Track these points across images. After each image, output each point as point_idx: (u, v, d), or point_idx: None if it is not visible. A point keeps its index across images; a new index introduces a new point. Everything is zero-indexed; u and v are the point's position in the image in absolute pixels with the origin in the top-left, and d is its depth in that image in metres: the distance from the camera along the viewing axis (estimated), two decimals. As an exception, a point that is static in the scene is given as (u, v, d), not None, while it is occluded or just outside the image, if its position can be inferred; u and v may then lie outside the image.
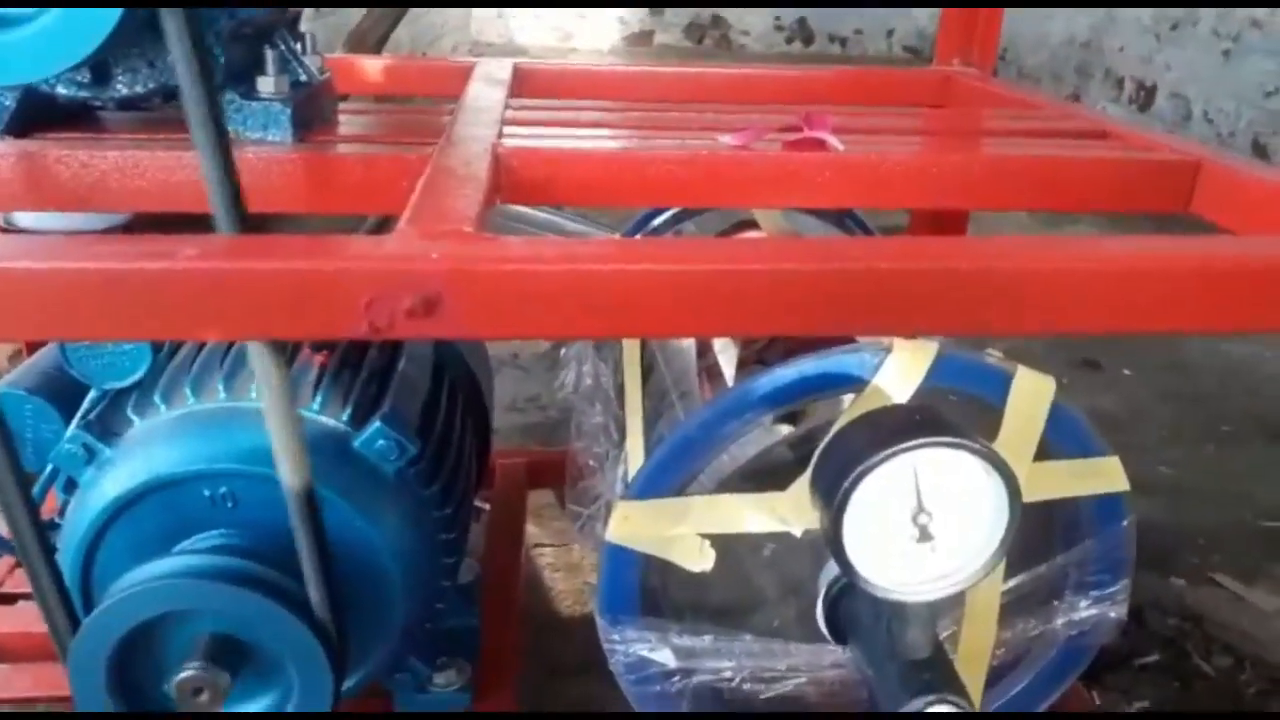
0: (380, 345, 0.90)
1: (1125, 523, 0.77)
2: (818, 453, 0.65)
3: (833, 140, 0.77)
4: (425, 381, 0.93)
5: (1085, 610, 0.79)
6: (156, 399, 0.81)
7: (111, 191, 0.65)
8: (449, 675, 0.92)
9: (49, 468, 0.81)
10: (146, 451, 0.78)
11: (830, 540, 0.62)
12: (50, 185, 0.65)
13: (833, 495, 0.61)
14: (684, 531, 0.73)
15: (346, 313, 0.47)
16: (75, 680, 0.71)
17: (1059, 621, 0.79)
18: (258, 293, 0.47)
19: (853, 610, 0.71)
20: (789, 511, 0.70)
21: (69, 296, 0.47)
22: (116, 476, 0.77)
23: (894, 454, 0.59)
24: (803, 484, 0.68)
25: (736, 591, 0.79)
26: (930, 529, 0.62)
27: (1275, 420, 1.92)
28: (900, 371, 0.68)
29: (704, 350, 0.88)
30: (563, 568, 1.40)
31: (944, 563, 0.62)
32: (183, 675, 0.69)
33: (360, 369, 0.86)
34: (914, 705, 0.64)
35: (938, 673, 0.66)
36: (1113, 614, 0.79)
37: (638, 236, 1.10)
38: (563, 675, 1.18)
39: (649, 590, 0.77)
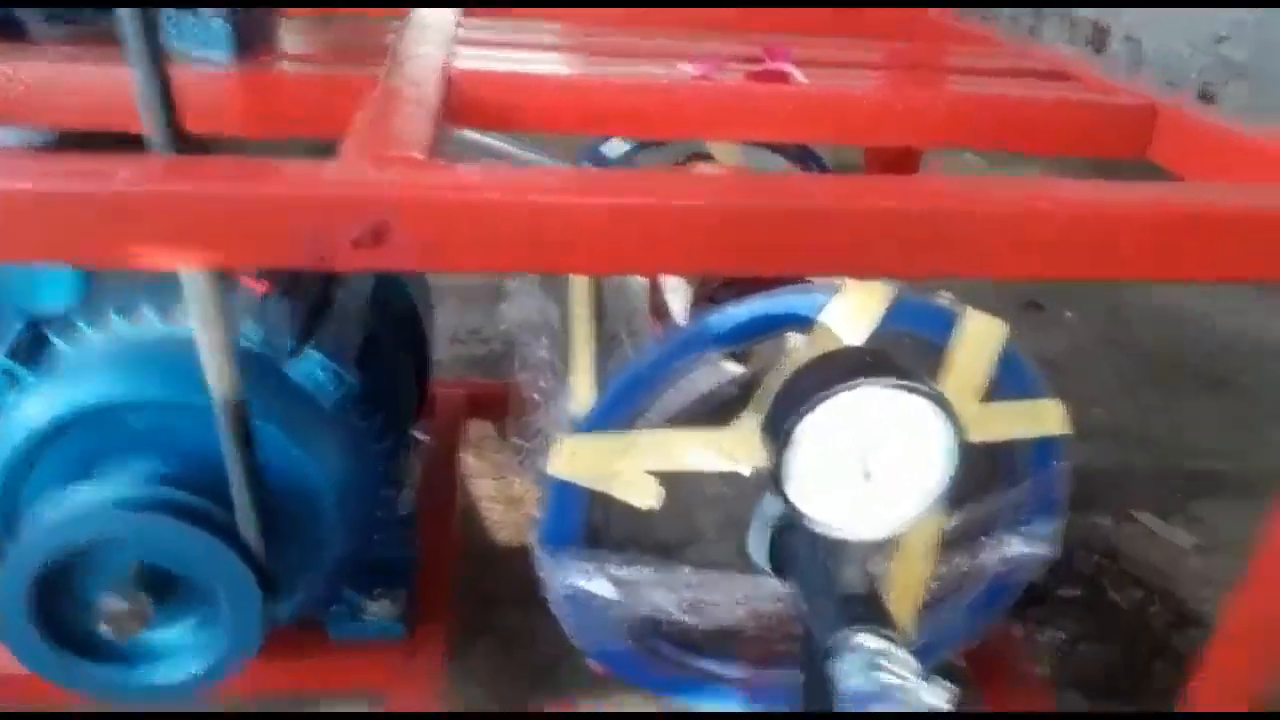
0: (320, 275, 0.87)
1: (1060, 465, 0.79)
2: (769, 390, 0.65)
3: (796, 73, 0.76)
4: (364, 312, 0.91)
5: (1016, 548, 0.81)
6: (82, 325, 0.78)
7: (36, 106, 0.61)
8: (384, 605, 0.92)
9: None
10: (73, 378, 0.75)
11: (774, 477, 0.62)
12: (-32, 96, 0.61)
13: (778, 431, 0.61)
14: (630, 467, 0.73)
15: (289, 241, 0.45)
16: (-1, 613, 0.69)
17: (991, 558, 0.81)
18: (195, 218, 0.44)
19: (791, 545, 0.72)
20: (735, 448, 0.70)
21: (-8, 216, 0.44)
22: (40, 404, 0.74)
23: (839, 391, 0.59)
24: (749, 420, 0.68)
25: (680, 526, 0.79)
26: (874, 468, 0.63)
27: (1209, 367, 1.97)
28: (851, 313, 0.68)
29: (655, 289, 0.87)
30: (501, 500, 1.40)
31: (887, 501, 0.63)
32: (104, 602, 0.67)
33: (299, 299, 0.83)
34: (844, 635, 0.65)
35: (870, 607, 0.67)
36: (1042, 552, 0.81)
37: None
38: (499, 606, 1.18)
39: (593, 525, 0.77)
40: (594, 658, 0.81)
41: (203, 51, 0.65)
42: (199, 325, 0.57)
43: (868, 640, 0.64)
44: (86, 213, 0.43)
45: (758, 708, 0.85)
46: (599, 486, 0.74)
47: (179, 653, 0.75)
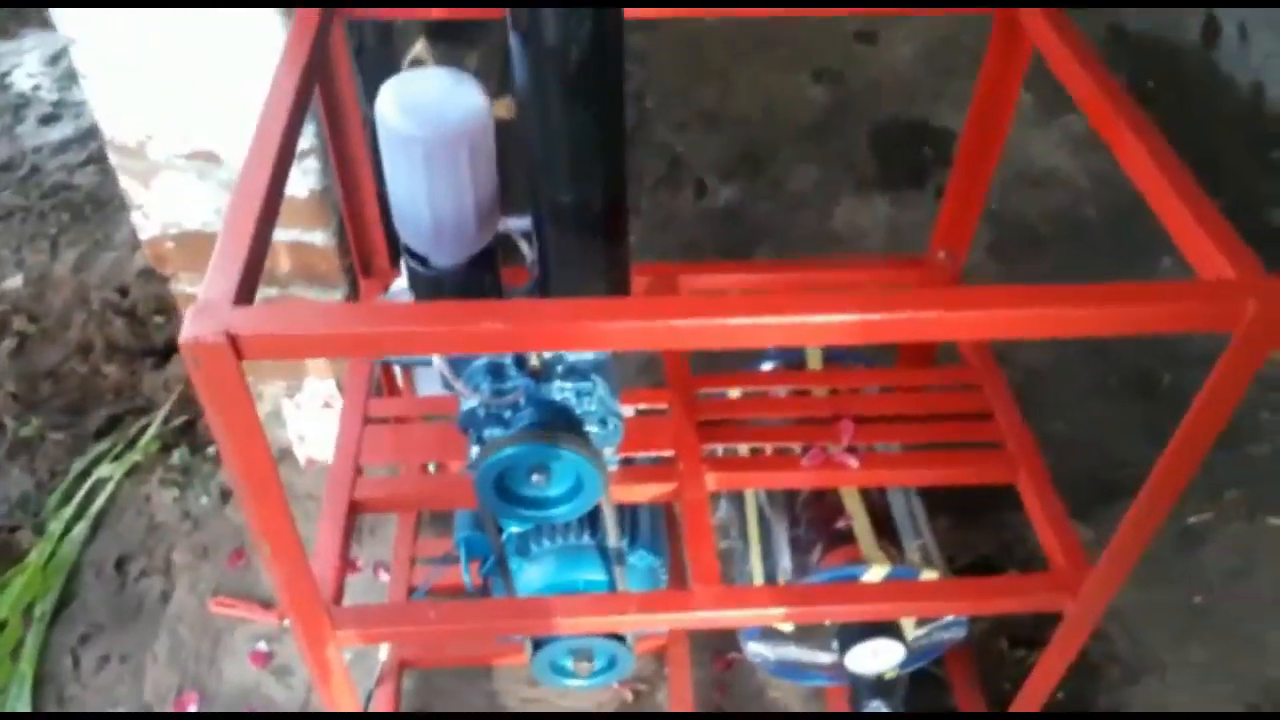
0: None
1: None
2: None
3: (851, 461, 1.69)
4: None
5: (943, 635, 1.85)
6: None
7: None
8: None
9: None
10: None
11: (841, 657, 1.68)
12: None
13: (843, 645, 1.65)
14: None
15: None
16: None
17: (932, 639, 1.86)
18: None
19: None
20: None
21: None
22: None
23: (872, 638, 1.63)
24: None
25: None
26: (878, 654, 1.67)
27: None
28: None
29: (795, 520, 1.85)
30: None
31: (882, 663, 1.68)
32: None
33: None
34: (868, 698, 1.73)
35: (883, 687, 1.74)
36: (958, 636, 1.85)
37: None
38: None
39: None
40: (762, 668, 1.90)
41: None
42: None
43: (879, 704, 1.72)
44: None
45: (834, 683, 1.94)
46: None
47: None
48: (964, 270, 1.94)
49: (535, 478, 1.44)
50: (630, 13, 1.19)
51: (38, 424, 2.83)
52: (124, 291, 3.18)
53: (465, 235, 1.33)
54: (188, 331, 1.01)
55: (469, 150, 1.23)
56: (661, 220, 3.33)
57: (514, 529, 1.72)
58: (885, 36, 4.01)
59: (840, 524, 1.75)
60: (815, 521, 1.79)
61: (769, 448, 1.72)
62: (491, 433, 1.46)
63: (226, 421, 1.09)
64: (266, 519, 1.21)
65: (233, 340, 1.02)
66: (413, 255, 1.37)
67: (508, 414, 1.45)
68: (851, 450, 1.67)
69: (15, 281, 3.25)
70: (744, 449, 1.74)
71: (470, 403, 1.46)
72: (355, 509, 1.59)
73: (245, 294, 1.07)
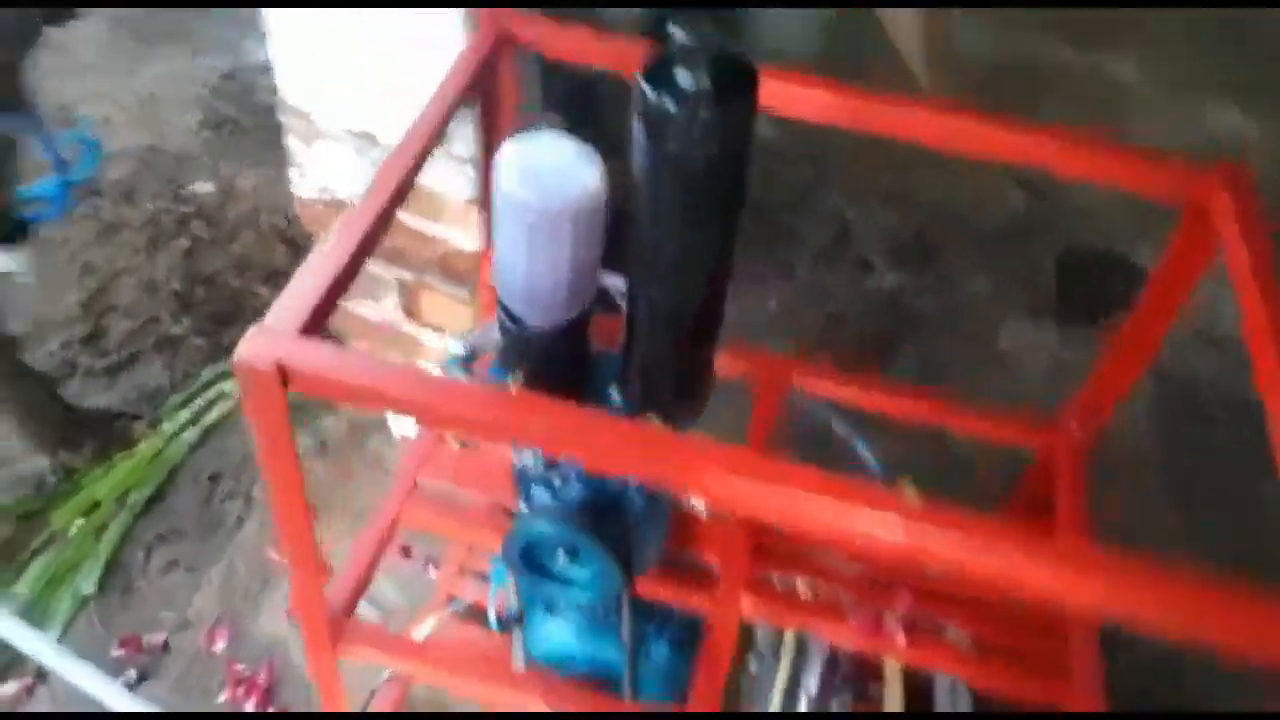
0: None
1: None
2: None
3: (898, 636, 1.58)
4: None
5: None
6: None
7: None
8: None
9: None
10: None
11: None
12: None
13: None
14: None
15: None
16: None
17: None
18: None
19: None
20: None
21: None
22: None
23: None
24: None
25: None
26: None
27: None
28: None
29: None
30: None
31: None
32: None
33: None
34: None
35: None
36: None
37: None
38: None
39: None
40: None
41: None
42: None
43: None
44: None
45: None
46: None
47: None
48: (1114, 433, 1.78)
49: (563, 557, 1.41)
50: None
51: (187, 324, 3.01)
52: (290, 220, 3.33)
53: (556, 304, 1.31)
54: (242, 352, 1.03)
55: (573, 226, 1.21)
56: (816, 295, 3.22)
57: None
58: (1105, 158, 3.76)
59: (877, 686, 1.65)
60: (854, 670, 1.70)
61: (819, 587, 1.64)
62: (539, 493, 1.44)
63: (265, 439, 1.10)
64: (290, 529, 1.23)
65: (281, 370, 1.03)
66: (505, 310, 1.36)
67: (557, 483, 1.43)
68: (907, 619, 1.56)
69: (207, 187, 3.46)
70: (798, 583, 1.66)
71: (525, 459, 1.45)
72: (397, 524, 1.61)
73: (314, 324, 1.09)
